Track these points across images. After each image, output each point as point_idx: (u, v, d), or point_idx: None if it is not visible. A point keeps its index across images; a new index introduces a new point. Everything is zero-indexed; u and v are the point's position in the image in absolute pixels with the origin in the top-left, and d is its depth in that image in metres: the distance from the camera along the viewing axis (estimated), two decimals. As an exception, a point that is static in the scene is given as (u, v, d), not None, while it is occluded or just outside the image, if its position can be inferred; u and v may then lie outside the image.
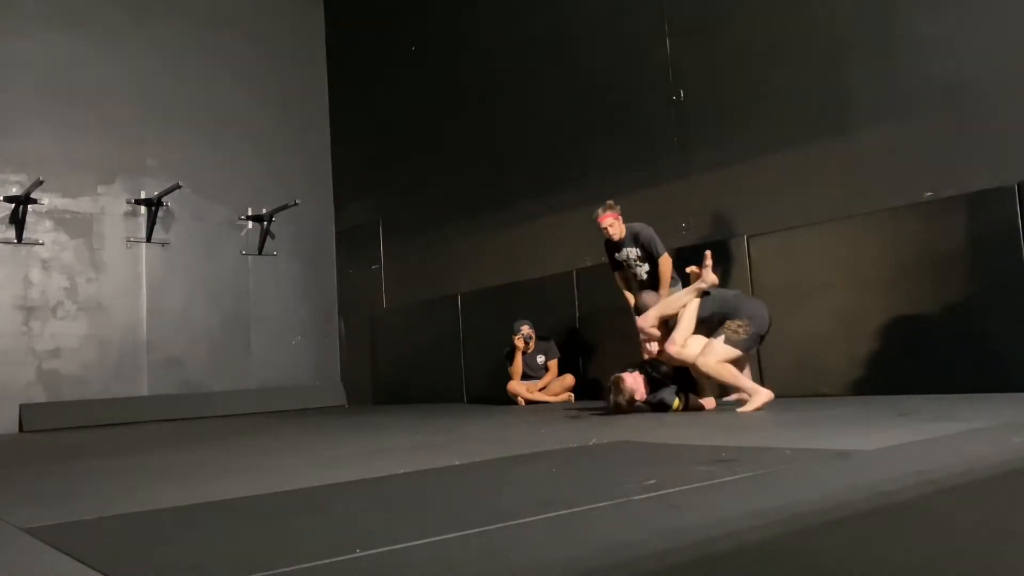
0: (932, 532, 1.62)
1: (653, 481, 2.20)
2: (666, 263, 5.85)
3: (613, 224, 5.96)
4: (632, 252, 5.98)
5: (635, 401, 4.98)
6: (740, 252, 6.05)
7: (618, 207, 6.01)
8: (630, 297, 6.08)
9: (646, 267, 5.97)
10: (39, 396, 8.51)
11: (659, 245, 5.87)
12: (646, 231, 5.93)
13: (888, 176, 5.40)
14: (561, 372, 7.29)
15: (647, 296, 5.46)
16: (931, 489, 1.95)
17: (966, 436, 2.89)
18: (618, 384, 4.99)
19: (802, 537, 1.59)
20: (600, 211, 6.00)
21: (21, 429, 8.28)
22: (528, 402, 7.16)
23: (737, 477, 2.22)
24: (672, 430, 4.01)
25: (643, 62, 6.97)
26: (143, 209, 9.34)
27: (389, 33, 9.98)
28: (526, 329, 7.22)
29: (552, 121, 7.84)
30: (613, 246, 6.09)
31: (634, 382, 5.01)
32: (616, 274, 6.24)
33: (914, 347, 5.13)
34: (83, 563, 1.68)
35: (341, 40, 10.80)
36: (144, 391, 9.09)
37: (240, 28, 10.22)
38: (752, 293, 5.96)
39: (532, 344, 7.29)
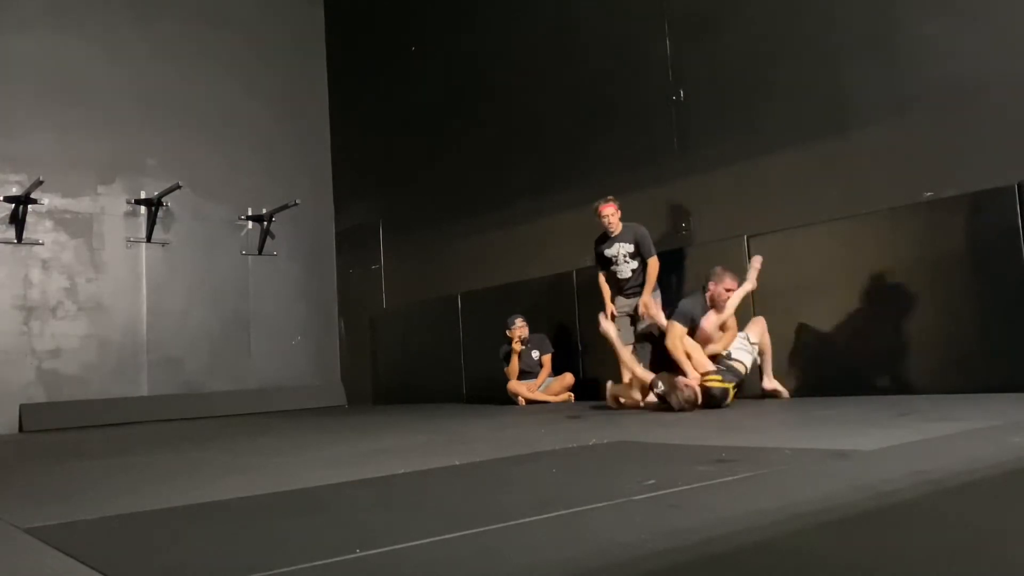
0: (932, 532, 1.62)
1: (653, 481, 2.20)
2: (655, 265, 6.10)
3: (614, 215, 6.18)
4: (624, 248, 6.18)
5: (698, 399, 4.95)
6: (740, 252, 6.04)
7: (617, 201, 6.19)
8: (609, 303, 6.30)
9: (633, 265, 6.17)
10: (39, 396, 8.50)
11: (652, 246, 6.12)
12: (642, 229, 6.18)
13: (888, 176, 5.40)
14: (560, 371, 7.29)
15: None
16: (931, 489, 1.95)
17: (966, 436, 2.89)
18: (678, 385, 4.93)
19: (802, 537, 1.59)
20: (601, 201, 6.20)
21: (21, 429, 8.28)
22: (528, 402, 7.15)
23: (737, 477, 2.22)
24: (672, 430, 4.01)
25: (643, 62, 6.96)
26: (143, 209, 9.34)
27: (389, 33, 9.98)
28: (519, 322, 7.23)
29: (552, 121, 7.84)
30: (604, 240, 6.27)
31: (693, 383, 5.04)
32: (601, 274, 6.35)
33: (914, 347, 5.13)
34: (83, 563, 1.68)
35: (341, 40, 10.79)
36: (144, 391, 9.09)
37: (240, 28, 10.22)
38: (752, 293, 5.97)
39: (527, 338, 7.30)
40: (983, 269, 4.87)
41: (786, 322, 5.73)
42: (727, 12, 6.40)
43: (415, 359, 9.36)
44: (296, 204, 9.86)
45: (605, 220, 6.17)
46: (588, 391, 7.17)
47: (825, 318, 5.54)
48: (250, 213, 10.03)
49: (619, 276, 6.24)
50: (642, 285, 6.11)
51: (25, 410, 8.36)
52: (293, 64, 10.60)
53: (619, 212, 6.18)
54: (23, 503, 2.81)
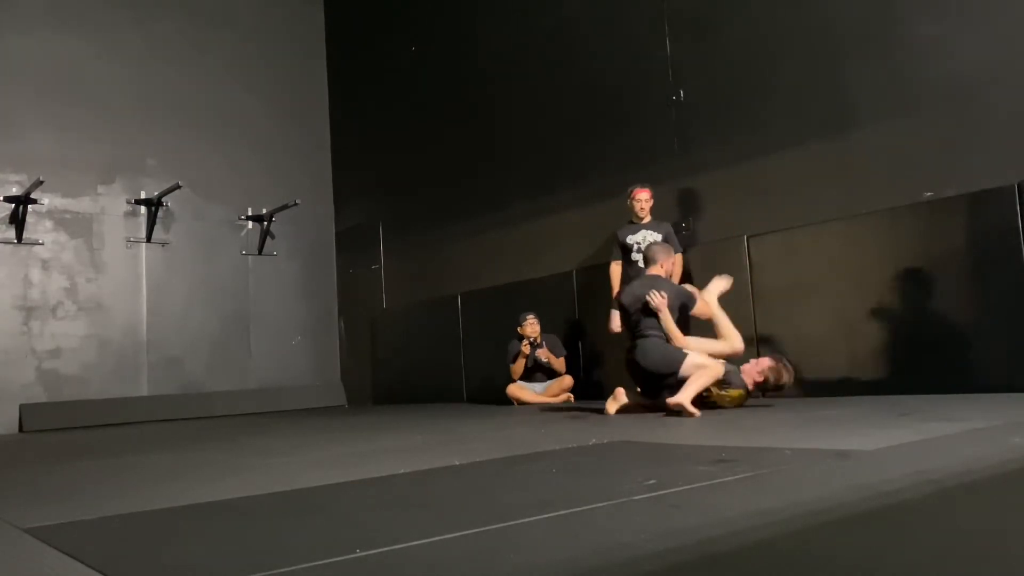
0: (932, 532, 1.62)
1: (653, 481, 2.20)
2: (679, 261, 6.08)
3: (648, 200, 6.22)
4: (651, 235, 6.15)
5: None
6: (740, 252, 6.05)
7: (653, 190, 6.28)
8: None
9: None
10: (39, 396, 8.50)
11: (678, 243, 6.16)
12: (670, 226, 6.25)
13: (888, 176, 5.40)
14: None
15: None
16: (931, 489, 1.95)
17: (966, 436, 2.89)
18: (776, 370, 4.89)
19: (802, 537, 1.59)
20: (638, 185, 6.23)
21: (21, 429, 8.28)
22: (523, 404, 7.11)
23: (737, 477, 2.22)
24: (672, 430, 4.01)
25: (643, 62, 6.96)
26: (143, 209, 9.34)
27: (389, 33, 9.98)
28: (531, 318, 7.17)
29: (552, 121, 7.84)
30: (629, 226, 6.27)
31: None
32: (614, 264, 6.33)
33: (914, 347, 5.13)
34: (83, 563, 1.68)
35: (341, 40, 10.80)
36: (144, 391, 9.09)
37: (240, 28, 10.22)
38: (752, 293, 5.98)
39: (539, 337, 7.22)
40: (983, 269, 4.87)
41: (786, 322, 5.73)
42: (727, 12, 6.40)
43: (415, 359, 9.37)
44: (296, 204, 9.86)
45: (638, 204, 6.18)
46: (588, 392, 7.17)
47: (825, 318, 5.54)
48: (250, 213, 10.03)
49: (639, 264, 6.11)
50: None
51: (25, 410, 8.36)
52: (293, 64, 10.60)
53: (652, 201, 6.22)
54: (23, 503, 2.81)
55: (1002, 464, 2.21)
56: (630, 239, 6.23)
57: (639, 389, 5.18)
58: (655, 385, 4.99)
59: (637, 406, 5.15)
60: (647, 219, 6.23)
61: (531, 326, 7.20)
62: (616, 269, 6.35)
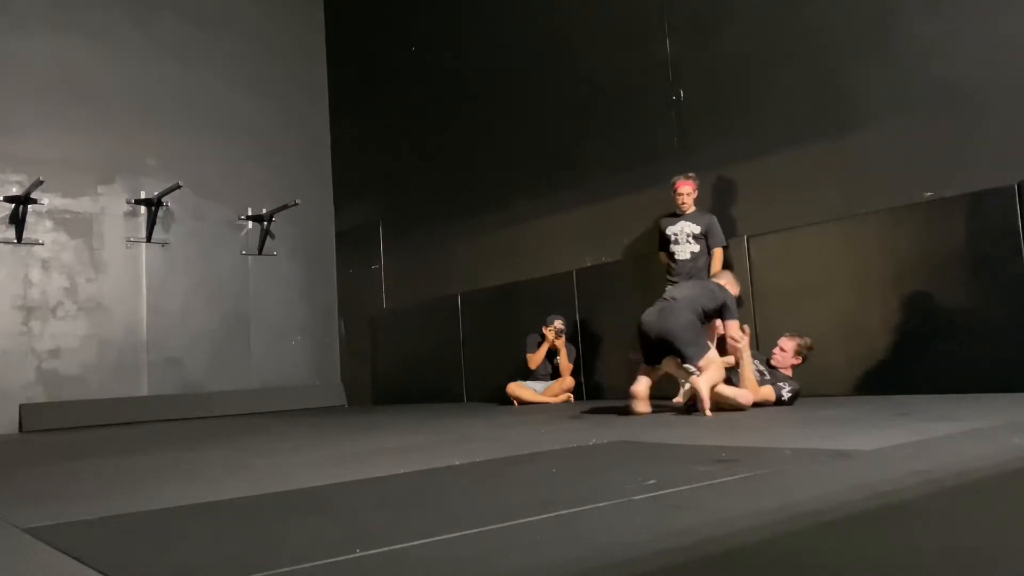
0: (932, 532, 1.61)
1: (653, 481, 2.20)
2: (721, 255, 5.95)
3: (690, 194, 6.06)
4: (689, 227, 6.03)
5: None
6: (740, 252, 6.05)
7: (697, 181, 6.10)
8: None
9: (694, 247, 5.99)
10: (39, 396, 8.50)
11: (722, 235, 5.98)
12: (714, 218, 6.06)
13: (888, 176, 5.40)
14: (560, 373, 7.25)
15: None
16: (931, 489, 1.95)
17: (966, 436, 2.89)
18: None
19: (802, 537, 1.59)
20: (681, 177, 6.10)
21: (21, 429, 8.28)
22: (523, 403, 7.11)
23: (737, 477, 2.22)
24: (672, 430, 4.01)
25: (643, 62, 6.97)
26: (143, 209, 9.34)
27: (389, 33, 9.99)
28: (559, 323, 7.13)
29: (552, 121, 7.84)
30: (669, 217, 6.16)
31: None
32: (661, 254, 6.27)
33: (914, 347, 5.13)
34: (83, 563, 1.68)
35: (341, 40, 10.80)
36: (144, 391, 9.09)
37: (240, 28, 10.23)
38: (752, 294, 5.98)
39: (563, 340, 7.16)
40: (983, 269, 4.87)
41: (786, 322, 5.72)
42: (727, 12, 6.40)
43: (415, 359, 9.37)
44: (296, 204, 9.86)
45: (679, 198, 6.05)
46: (588, 392, 7.18)
47: (825, 318, 5.54)
48: (250, 213, 10.03)
49: (676, 256, 6.04)
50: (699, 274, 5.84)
51: (25, 410, 8.36)
52: (293, 64, 10.60)
53: (696, 193, 6.07)
54: (23, 503, 2.81)
55: (1002, 464, 2.21)
56: (670, 230, 6.11)
57: (643, 353, 5.06)
58: (661, 353, 4.91)
59: (655, 381, 5.05)
60: (690, 211, 6.07)
61: (558, 329, 7.16)
62: (663, 259, 6.26)
